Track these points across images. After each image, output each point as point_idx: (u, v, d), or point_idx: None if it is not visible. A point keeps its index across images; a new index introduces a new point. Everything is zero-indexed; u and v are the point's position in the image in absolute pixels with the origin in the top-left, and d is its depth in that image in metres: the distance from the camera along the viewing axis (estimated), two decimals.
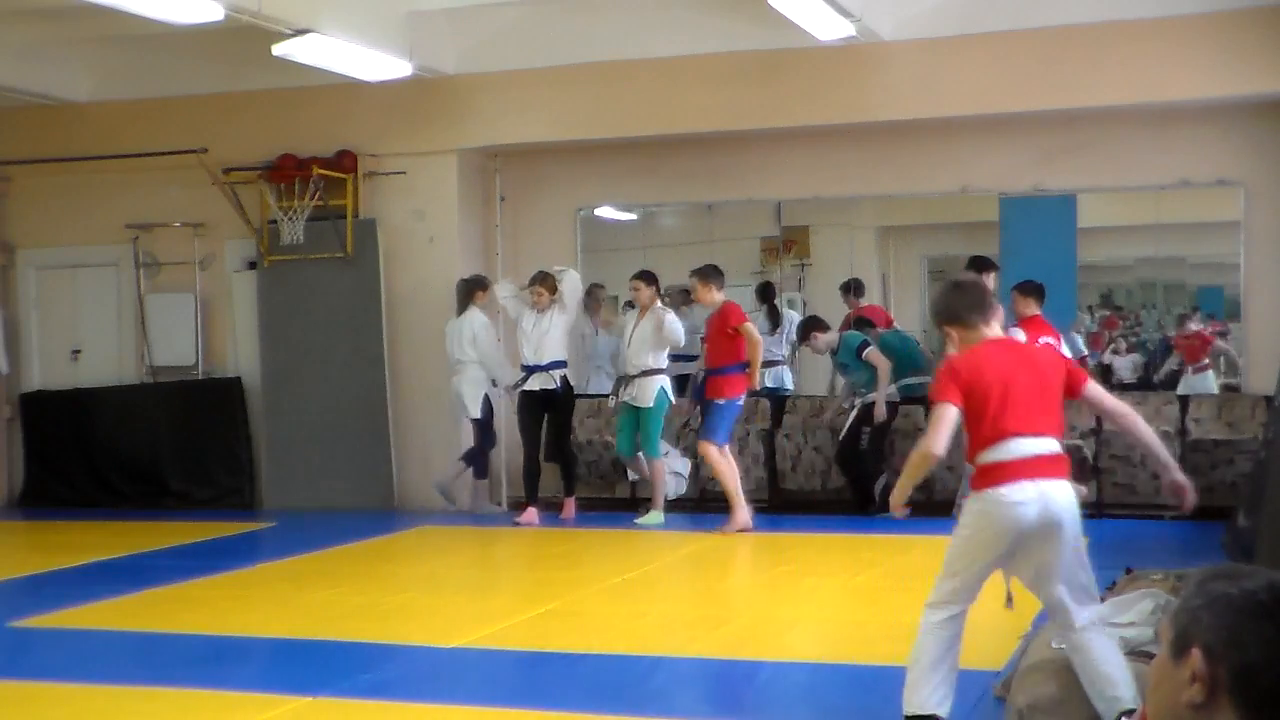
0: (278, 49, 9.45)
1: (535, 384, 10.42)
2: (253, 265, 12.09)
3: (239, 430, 12.04)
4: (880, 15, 10.17)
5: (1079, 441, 10.38)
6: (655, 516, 10.33)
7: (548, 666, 6.12)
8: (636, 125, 11.25)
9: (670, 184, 11.85)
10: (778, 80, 10.79)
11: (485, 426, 10.90)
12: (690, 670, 6.02)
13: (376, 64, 10.37)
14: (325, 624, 7.02)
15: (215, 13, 8.60)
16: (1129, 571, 6.67)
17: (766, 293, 12.08)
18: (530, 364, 10.45)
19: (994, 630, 6.28)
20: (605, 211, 12.31)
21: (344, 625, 6.96)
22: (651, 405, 10.25)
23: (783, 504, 11.00)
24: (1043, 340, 10.14)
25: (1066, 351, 10.00)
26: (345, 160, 11.58)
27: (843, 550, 9.36)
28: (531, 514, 10.39)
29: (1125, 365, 11.51)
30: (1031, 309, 9.76)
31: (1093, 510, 10.48)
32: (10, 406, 12.80)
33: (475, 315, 10.76)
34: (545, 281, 10.47)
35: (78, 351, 12.74)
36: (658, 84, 11.06)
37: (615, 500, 11.64)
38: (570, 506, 10.66)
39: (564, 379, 10.51)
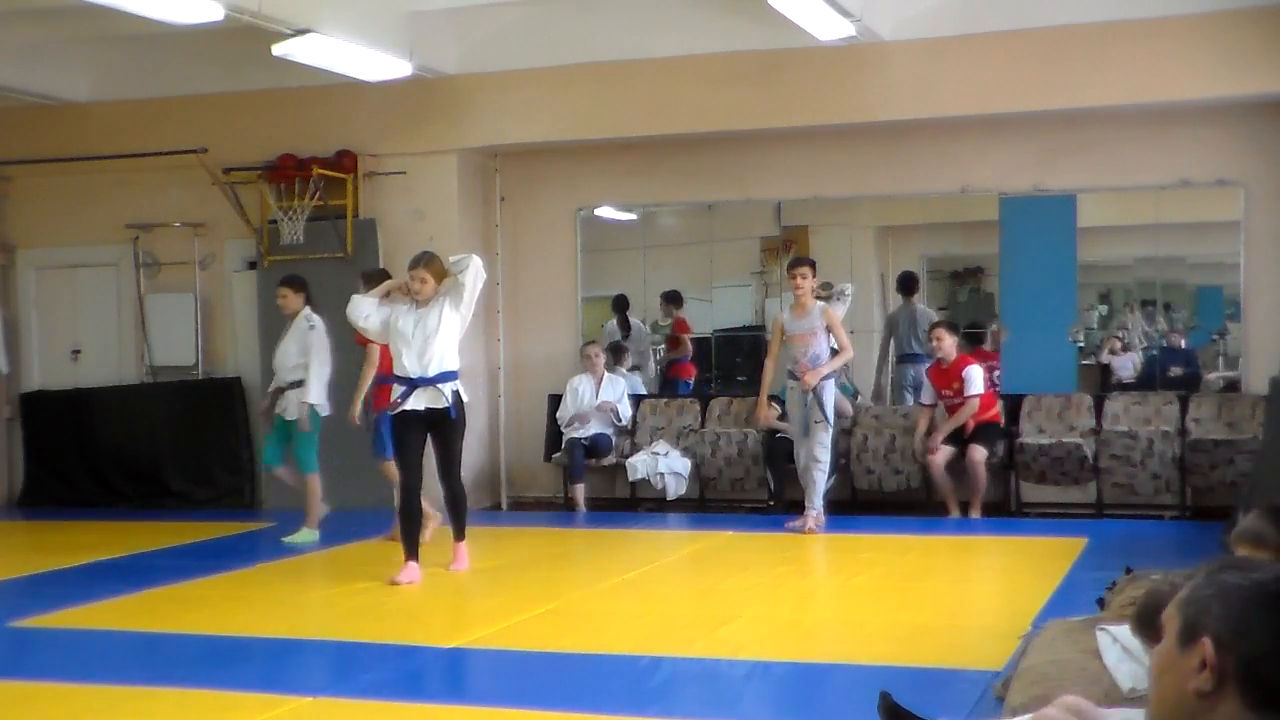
0: (278, 49, 9.45)
1: (420, 402, 8.03)
2: (253, 265, 12.09)
3: (239, 430, 12.04)
4: (880, 15, 10.17)
5: (1079, 440, 10.39)
6: (306, 535, 9.74)
7: (548, 666, 6.12)
8: (636, 125, 11.25)
9: (670, 184, 11.85)
10: (778, 80, 10.79)
11: None
12: (690, 670, 6.02)
13: (376, 64, 10.37)
14: (325, 624, 7.02)
15: (215, 13, 8.60)
16: (1129, 571, 6.67)
17: (619, 303, 12.48)
18: (414, 376, 8.00)
19: (994, 630, 6.29)
20: (605, 211, 12.31)
21: (344, 625, 6.96)
22: (298, 418, 9.60)
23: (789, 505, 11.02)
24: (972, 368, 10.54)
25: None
26: (345, 160, 11.58)
27: (843, 550, 9.36)
28: (413, 570, 8.09)
29: (1124, 365, 11.51)
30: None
31: (1093, 510, 10.52)
32: (10, 406, 12.80)
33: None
34: (431, 265, 8.10)
35: (78, 351, 12.75)
36: (658, 84, 11.06)
37: (615, 500, 11.65)
38: (463, 554, 8.52)
39: (456, 395, 8.12)
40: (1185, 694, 1.92)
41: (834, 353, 9.92)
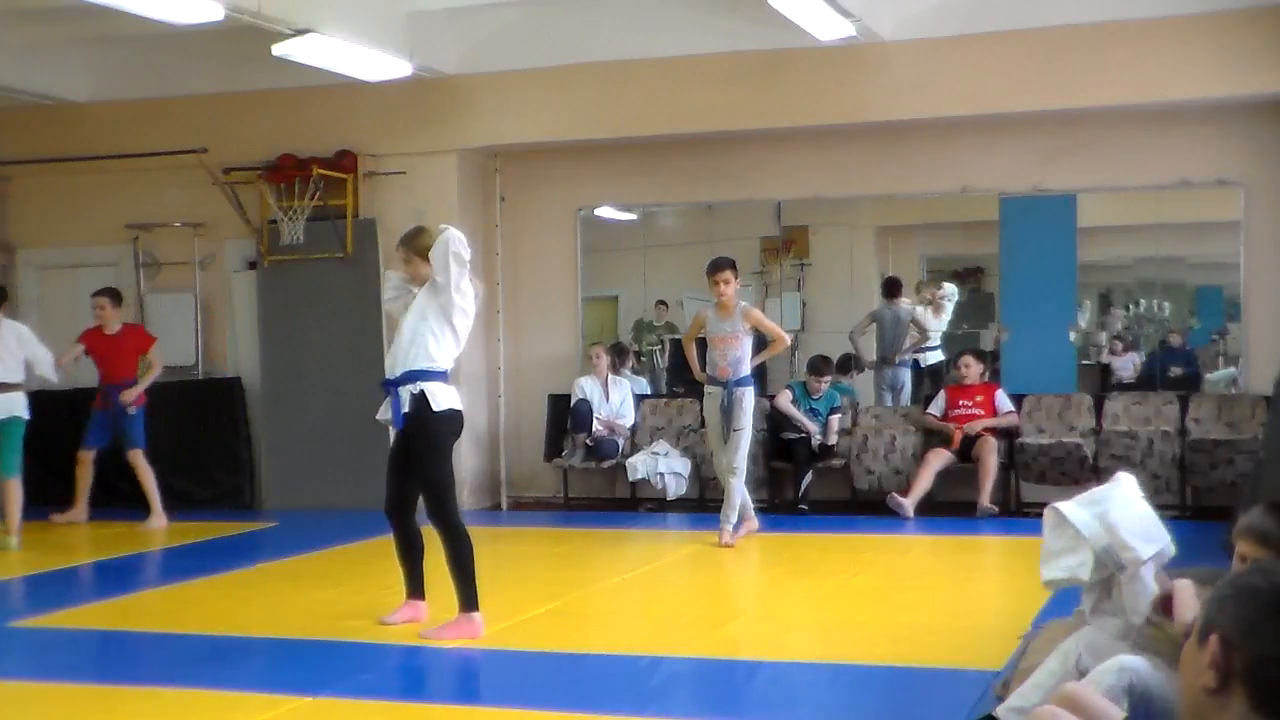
0: (278, 49, 9.45)
1: (385, 411, 6.68)
2: (253, 265, 12.09)
3: (239, 430, 12.04)
4: (880, 15, 10.17)
5: (1079, 440, 10.39)
6: (7, 541, 9.73)
7: (548, 666, 6.12)
8: (636, 125, 11.25)
9: (670, 184, 11.85)
10: (778, 80, 10.79)
11: None
12: (690, 670, 6.02)
13: (376, 64, 10.37)
14: (325, 624, 7.01)
15: (215, 13, 8.60)
16: None
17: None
18: (385, 379, 6.67)
19: (994, 630, 6.29)
20: (605, 211, 12.31)
21: (344, 625, 6.95)
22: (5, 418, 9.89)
23: (787, 505, 11.02)
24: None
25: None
26: (345, 160, 11.58)
27: (843, 550, 9.36)
28: (414, 608, 6.91)
29: (1124, 365, 11.51)
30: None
31: None
32: None
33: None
34: (413, 242, 6.70)
35: None
36: (658, 84, 11.06)
37: (615, 500, 11.65)
38: (473, 623, 6.61)
39: (421, 398, 6.49)
40: (1197, 689, 1.98)
41: (761, 348, 9.48)
